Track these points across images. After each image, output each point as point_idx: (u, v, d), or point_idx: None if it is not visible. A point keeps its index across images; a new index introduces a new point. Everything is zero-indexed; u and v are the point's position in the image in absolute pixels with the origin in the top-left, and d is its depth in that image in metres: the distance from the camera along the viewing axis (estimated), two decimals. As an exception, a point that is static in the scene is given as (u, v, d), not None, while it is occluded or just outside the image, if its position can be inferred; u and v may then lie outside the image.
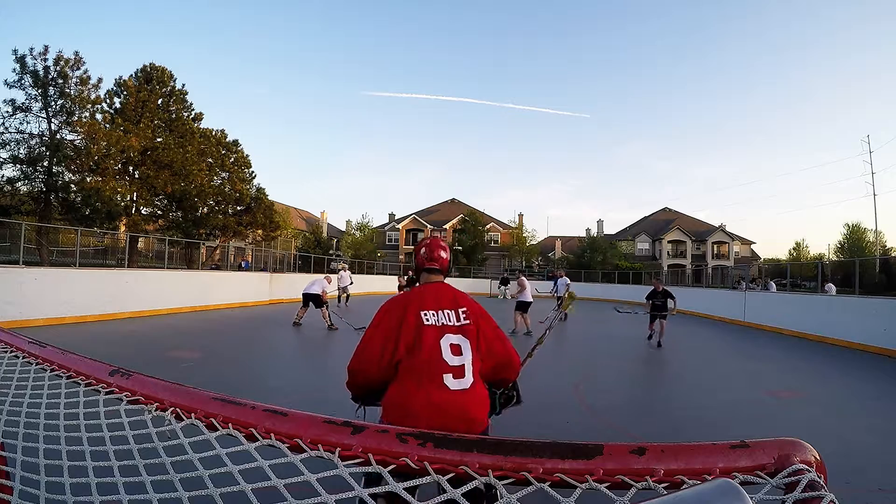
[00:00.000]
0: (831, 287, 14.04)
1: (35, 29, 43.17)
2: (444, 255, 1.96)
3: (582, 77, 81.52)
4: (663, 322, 8.96)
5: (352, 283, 15.42)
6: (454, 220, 42.13)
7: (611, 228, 48.63)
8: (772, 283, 18.57)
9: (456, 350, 1.60)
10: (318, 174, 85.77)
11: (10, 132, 15.48)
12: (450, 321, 1.66)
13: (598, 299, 24.42)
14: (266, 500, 0.53)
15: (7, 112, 15.38)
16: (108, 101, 17.55)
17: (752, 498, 0.34)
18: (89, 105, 16.61)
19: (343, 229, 45.99)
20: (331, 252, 35.71)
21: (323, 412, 0.57)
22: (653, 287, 9.28)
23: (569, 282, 15.40)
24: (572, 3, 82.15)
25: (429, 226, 43.49)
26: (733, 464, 0.43)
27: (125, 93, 17.78)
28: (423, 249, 1.99)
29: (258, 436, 0.55)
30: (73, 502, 0.63)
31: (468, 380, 1.58)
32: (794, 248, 45.35)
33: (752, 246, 44.51)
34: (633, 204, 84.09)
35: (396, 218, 46.39)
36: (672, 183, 77.84)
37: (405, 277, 10.97)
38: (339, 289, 14.90)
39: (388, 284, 19.31)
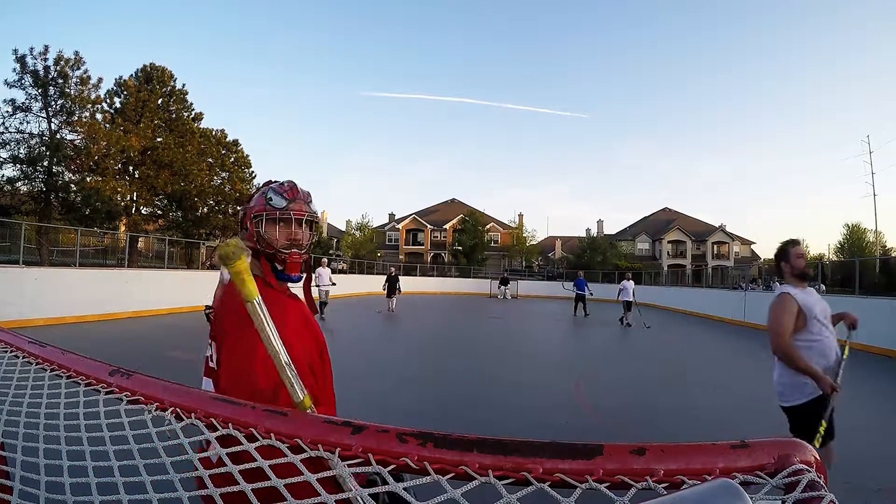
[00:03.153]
0: (821, 287, 14.14)
1: (35, 29, 43.11)
2: None
3: (582, 77, 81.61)
4: None
5: (333, 283, 12.12)
6: (454, 220, 42.14)
7: (611, 228, 48.64)
8: (777, 283, 18.60)
9: None
10: (317, 174, 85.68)
11: (10, 132, 15.52)
12: None
13: (598, 300, 24.39)
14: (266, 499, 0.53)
15: (7, 112, 15.44)
16: (108, 101, 17.59)
17: (752, 498, 0.34)
18: (89, 105, 16.64)
19: (343, 229, 46.00)
20: (331, 252, 35.72)
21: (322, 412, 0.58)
22: None
23: (634, 286, 13.18)
24: (572, 3, 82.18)
25: (429, 226, 43.50)
26: (733, 464, 0.43)
27: (125, 93, 17.81)
28: None
29: (258, 436, 0.55)
30: (73, 502, 0.62)
31: None
32: (793, 249, 45.22)
33: (752, 246, 44.52)
34: (633, 204, 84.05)
35: (396, 218, 46.41)
36: (672, 183, 77.79)
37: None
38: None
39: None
